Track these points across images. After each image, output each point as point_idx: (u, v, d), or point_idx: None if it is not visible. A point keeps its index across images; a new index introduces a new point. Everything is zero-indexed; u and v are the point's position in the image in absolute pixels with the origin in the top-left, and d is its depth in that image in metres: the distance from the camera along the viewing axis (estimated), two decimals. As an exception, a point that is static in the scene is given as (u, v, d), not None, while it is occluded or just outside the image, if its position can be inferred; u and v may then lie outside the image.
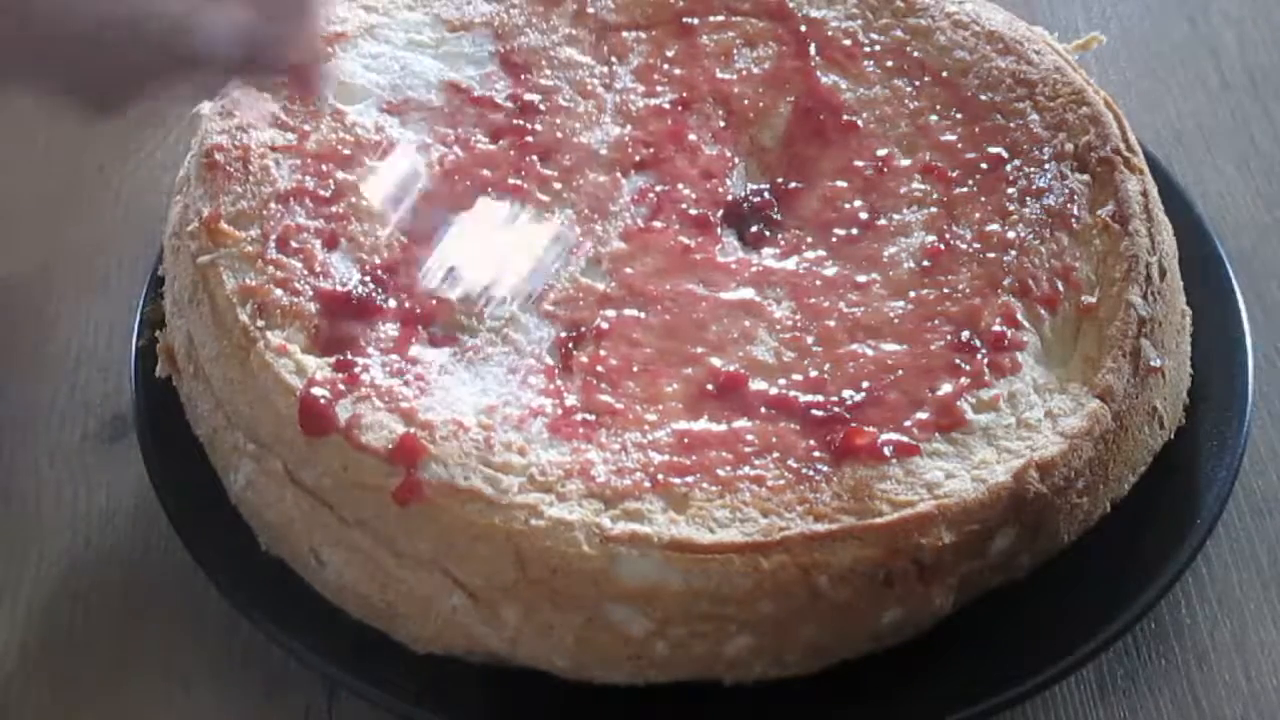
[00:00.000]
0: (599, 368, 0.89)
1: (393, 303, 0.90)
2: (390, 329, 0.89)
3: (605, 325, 0.91)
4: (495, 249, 0.92)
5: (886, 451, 0.84)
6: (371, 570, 0.84)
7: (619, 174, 0.99)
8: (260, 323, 0.87)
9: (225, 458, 0.89)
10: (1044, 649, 0.86)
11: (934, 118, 1.01)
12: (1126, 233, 0.93)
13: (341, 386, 0.85)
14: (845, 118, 1.02)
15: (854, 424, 0.86)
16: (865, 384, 0.88)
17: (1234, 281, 1.01)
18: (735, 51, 1.05)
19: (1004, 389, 0.88)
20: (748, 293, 0.93)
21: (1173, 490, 0.92)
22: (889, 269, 0.94)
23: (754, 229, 0.98)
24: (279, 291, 0.89)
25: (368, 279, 0.90)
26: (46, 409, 1.03)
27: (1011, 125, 1.00)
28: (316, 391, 0.84)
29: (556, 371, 0.89)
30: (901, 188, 0.98)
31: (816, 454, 0.84)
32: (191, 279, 0.91)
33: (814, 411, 0.87)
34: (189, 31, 0.77)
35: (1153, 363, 0.90)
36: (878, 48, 1.05)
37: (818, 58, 1.04)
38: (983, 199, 0.97)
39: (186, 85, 0.84)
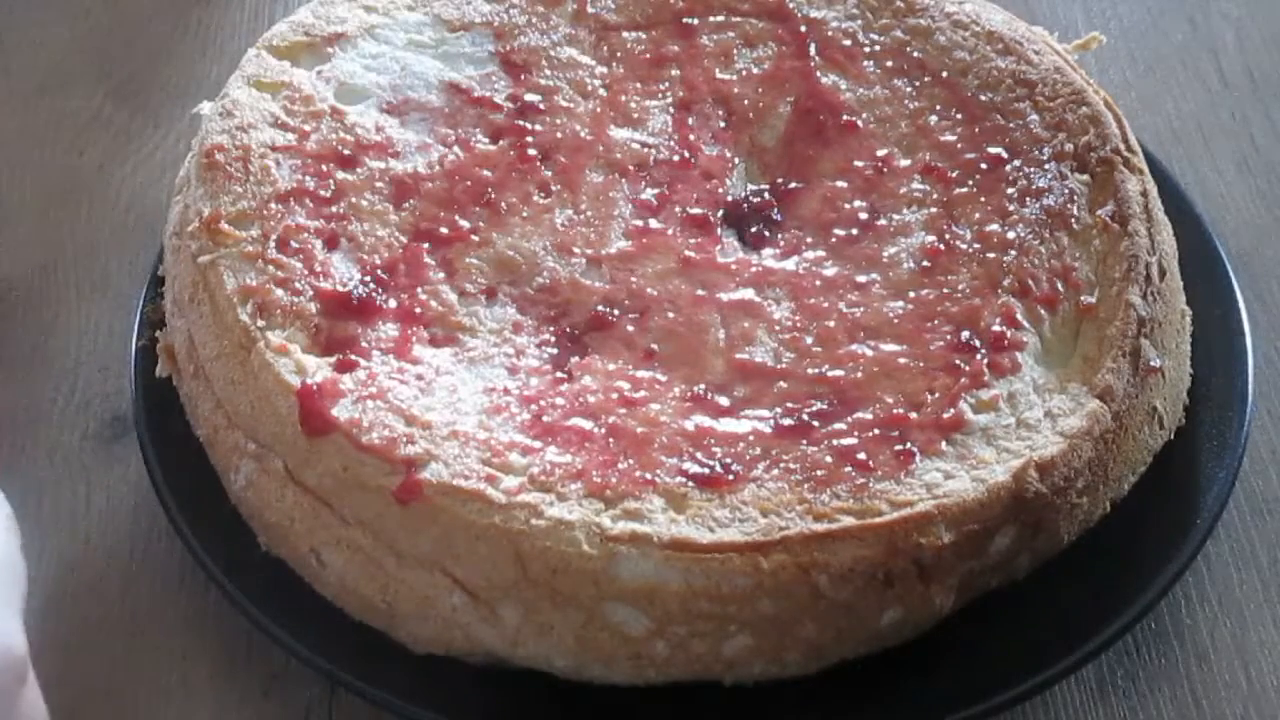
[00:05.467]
0: (599, 368, 0.89)
1: (393, 303, 0.90)
2: (390, 329, 0.89)
3: (605, 326, 0.91)
4: None
5: (885, 456, 0.84)
6: (372, 570, 0.84)
7: (619, 174, 0.99)
8: (260, 323, 0.87)
9: (225, 458, 0.89)
10: (1044, 649, 0.86)
11: (934, 118, 1.01)
12: (1126, 233, 0.93)
13: (342, 386, 0.85)
14: (845, 118, 1.02)
15: (852, 426, 0.86)
16: (864, 385, 0.88)
17: (1234, 281, 1.01)
18: (735, 51, 1.05)
19: (1003, 389, 0.88)
20: (747, 293, 0.93)
21: (1173, 490, 0.92)
22: (889, 269, 0.94)
23: (754, 229, 0.98)
24: (279, 291, 0.89)
25: (368, 279, 0.91)
26: (46, 409, 1.03)
27: (1011, 125, 1.00)
28: (317, 392, 0.84)
29: (556, 372, 0.89)
30: (901, 188, 0.98)
31: (816, 454, 0.84)
32: (192, 279, 0.91)
33: (813, 412, 0.87)
34: None
35: (1153, 363, 0.90)
36: (878, 48, 1.05)
37: (818, 58, 1.05)
38: (983, 199, 0.97)
39: None
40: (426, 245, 0.93)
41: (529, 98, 1.01)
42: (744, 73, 1.04)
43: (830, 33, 1.06)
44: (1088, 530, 0.88)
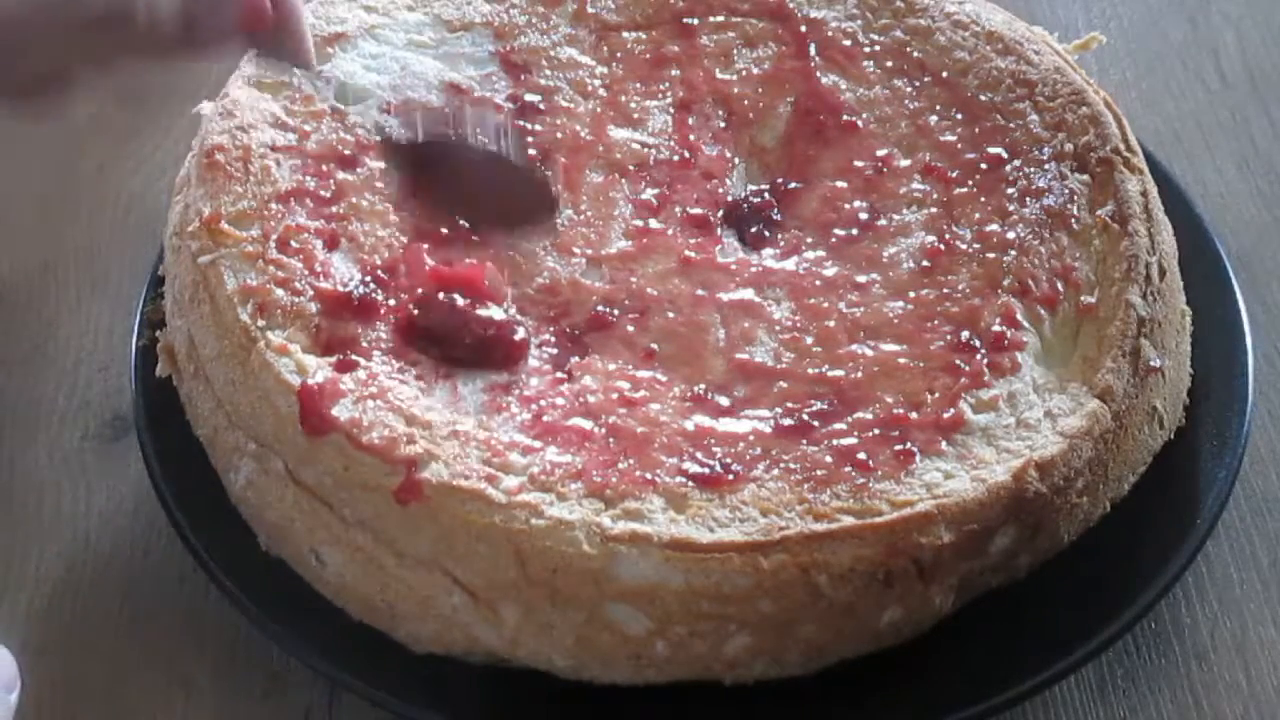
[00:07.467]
0: (599, 368, 0.89)
1: (393, 303, 0.90)
2: (391, 329, 0.89)
3: (605, 326, 0.91)
4: None
5: (885, 456, 0.84)
6: (372, 570, 0.84)
7: (619, 174, 0.99)
8: (261, 323, 0.87)
9: (226, 457, 0.89)
10: (1044, 649, 0.86)
11: (934, 118, 1.01)
12: (1126, 233, 0.93)
13: (342, 386, 0.85)
14: (845, 118, 1.02)
15: (852, 426, 0.86)
16: (864, 385, 0.88)
17: (1234, 281, 1.01)
18: (735, 51, 1.05)
19: (1003, 389, 0.88)
20: (747, 293, 0.93)
21: (1173, 490, 0.92)
22: (889, 269, 0.94)
23: (754, 229, 0.98)
24: (279, 291, 0.89)
25: (368, 279, 0.90)
26: (46, 409, 1.03)
27: (1011, 125, 1.00)
28: (317, 391, 0.84)
29: (557, 372, 0.89)
30: (901, 188, 0.98)
31: (816, 454, 0.84)
32: (192, 279, 0.91)
33: (813, 412, 0.87)
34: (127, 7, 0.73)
35: (1152, 363, 0.90)
36: (878, 48, 1.05)
37: (818, 58, 1.05)
38: (983, 199, 0.97)
39: (123, 70, 0.79)
40: (426, 245, 0.93)
41: (529, 98, 1.01)
42: (744, 73, 1.04)
43: (830, 33, 1.06)
44: (1088, 530, 0.88)
